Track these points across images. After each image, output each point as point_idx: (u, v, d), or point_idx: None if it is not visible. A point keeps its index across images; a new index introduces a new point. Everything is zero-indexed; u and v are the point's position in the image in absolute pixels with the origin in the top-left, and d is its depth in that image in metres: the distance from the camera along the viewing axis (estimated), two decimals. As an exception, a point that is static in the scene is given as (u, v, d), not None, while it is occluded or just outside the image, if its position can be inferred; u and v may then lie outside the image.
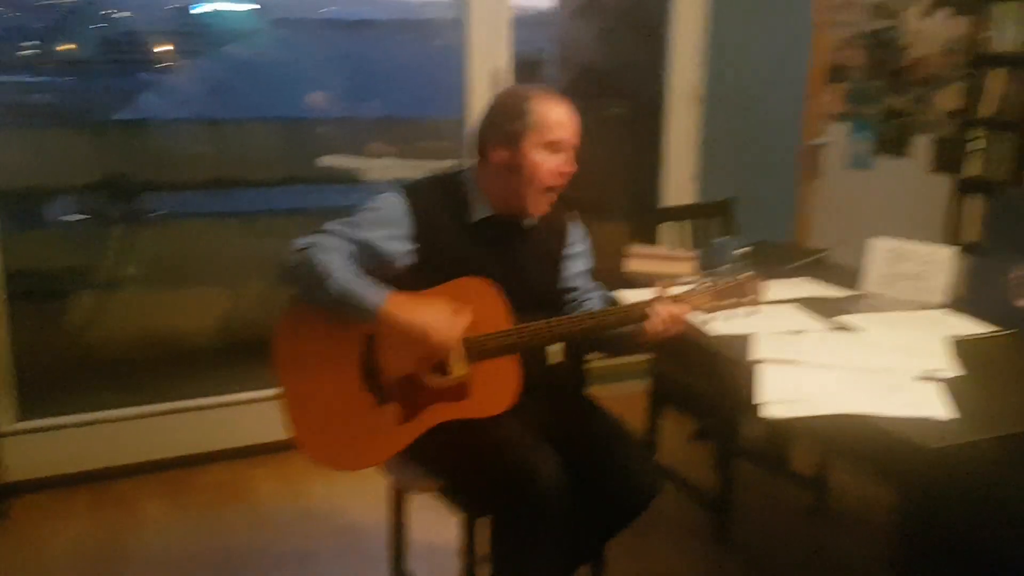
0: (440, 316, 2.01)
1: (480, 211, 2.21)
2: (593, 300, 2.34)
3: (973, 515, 2.10)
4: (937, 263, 2.62)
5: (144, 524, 3.12)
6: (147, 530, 3.08)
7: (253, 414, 3.49)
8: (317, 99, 4.37)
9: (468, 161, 2.28)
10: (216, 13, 4.34)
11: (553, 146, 2.13)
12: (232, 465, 3.51)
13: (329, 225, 2.13)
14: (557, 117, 2.12)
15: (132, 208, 3.89)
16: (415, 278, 2.12)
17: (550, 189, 2.16)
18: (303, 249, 2.06)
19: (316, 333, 2.13)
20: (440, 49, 4.41)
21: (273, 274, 2.13)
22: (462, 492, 2.19)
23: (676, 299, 2.11)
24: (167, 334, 4.09)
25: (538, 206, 2.18)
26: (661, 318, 2.07)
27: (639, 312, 2.09)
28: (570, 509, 2.07)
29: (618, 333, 2.17)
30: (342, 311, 2.03)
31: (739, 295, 2.14)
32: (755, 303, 2.15)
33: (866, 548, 3.01)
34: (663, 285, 2.12)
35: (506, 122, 2.14)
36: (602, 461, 2.12)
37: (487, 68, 3.74)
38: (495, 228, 2.22)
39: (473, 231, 2.20)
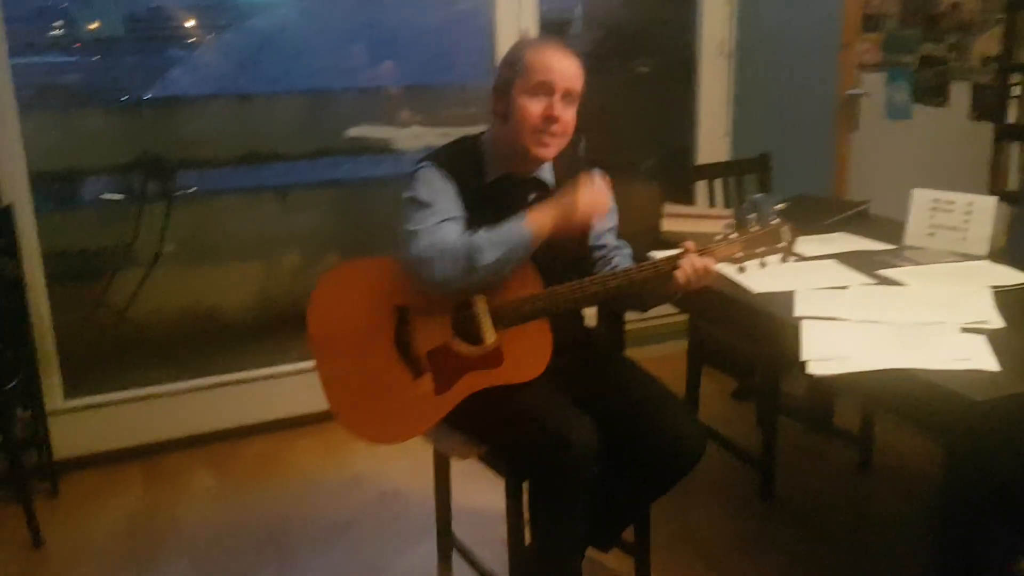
0: (573, 190, 2.05)
1: (495, 171, 2.20)
2: (620, 257, 2.33)
3: (1022, 467, 2.08)
4: (979, 213, 2.57)
5: (192, 496, 3.17)
6: (196, 502, 3.13)
7: (294, 385, 3.52)
8: (388, 68, 4.37)
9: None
10: (239, -16, 4.33)
11: (539, 88, 2.10)
12: (276, 436, 3.55)
13: (413, 226, 2.08)
14: (544, 60, 2.10)
15: (167, 186, 3.92)
16: None
17: (542, 132, 2.11)
18: (426, 251, 2.02)
19: (348, 309, 2.14)
20: (466, 13, 4.37)
21: (436, 291, 2.07)
22: (502, 457, 2.20)
23: (703, 251, 2.08)
24: (206, 310, 4.13)
25: (538, 151, 2.13)
26: (688, 271, 2.05)
27: (668, 266, 2.07)
28: (610, 473, 2.08)
29: (647, 289, 2.15)
30: (506, 257, 2.02)
31: (770, 243, 2.11)
32: (787, 250, 2.12)
33: (912, 503, 2.99)
34: (690, 243, 2.10)
35: (501, 73, 2.15)
36: (647, 423, 2.12)
37: (514, 30, 3.70)
38: (514, 186, 2.20)
39: (492, 192, 2.20)
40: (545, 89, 2.10)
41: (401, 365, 2.12)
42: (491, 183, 2.20)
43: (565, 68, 2.11)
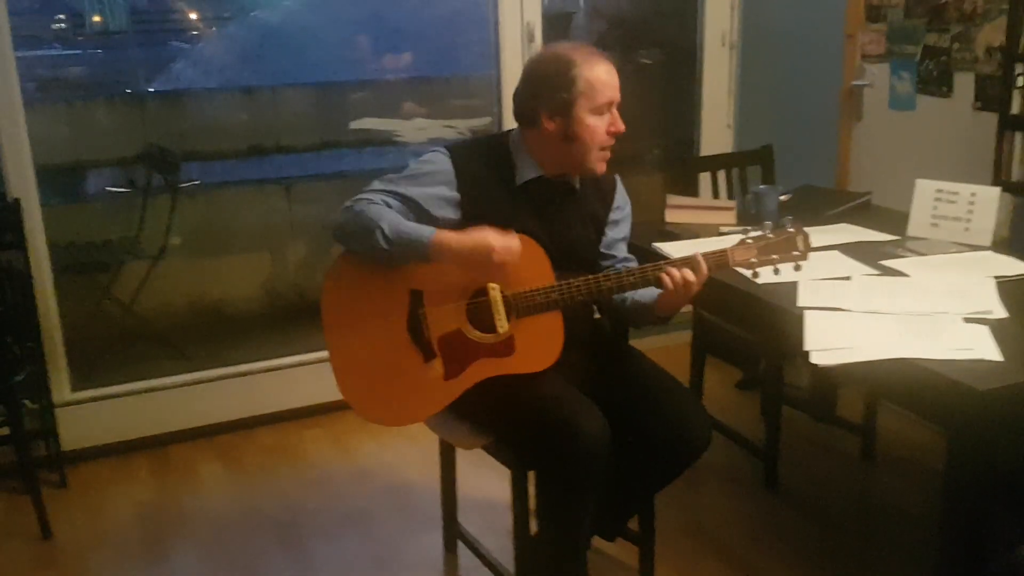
0: (492, 231, 2.02)
1: (526, 173, 2.21)
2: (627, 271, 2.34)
3: (1025, 456, 2.09)
4: (982, 204, 2.57)
5: (200, 487, 3.19)
6: (203, 493, 3.15)
7: (301, 377, 3.54)
8: (392, 60, 4.38)
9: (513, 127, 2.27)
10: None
11: (605, 107, 2.14)
12: (283, 427, 3.57)
13: (377, 183, 2.16)
14: (604, 79, 2.12)
15: (172, 179, 3.93)
16: None
17: (606, 148, 2.18)
18: (352, 206, 2.10)
19: (362, 291, 2.15)
20: (469, 4, 4.37)
21: (330, 235, 2.16)
22: (508, 448, 2.21)
23: (719, 255, 2.09)
24: (212, 301, 4.15)
25: (599, 166, 2.19)
26: (672, 281, 2.06)
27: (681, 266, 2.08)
28: (615, 463, 2.09)
29: (641, 304, 2.22)
30: (397, 254, 2.05)
31: (785, 250, 2.12)
32: (802, 258, 2.13)
33: (916, 492, 3.00)
34: (701, 252, 2.11)
35: (555, 92, 2.12)
36: (653, 411, 2.14)
37: (518, 23, 3.70)
38: (541, 189, 2.22)
39: (518, 192, 2.21)
40: (609, 107, 2.14)
41: (412, 348, 2.13)
42: (521, 186, 2.21)
43: (616, 81, 2.16)
